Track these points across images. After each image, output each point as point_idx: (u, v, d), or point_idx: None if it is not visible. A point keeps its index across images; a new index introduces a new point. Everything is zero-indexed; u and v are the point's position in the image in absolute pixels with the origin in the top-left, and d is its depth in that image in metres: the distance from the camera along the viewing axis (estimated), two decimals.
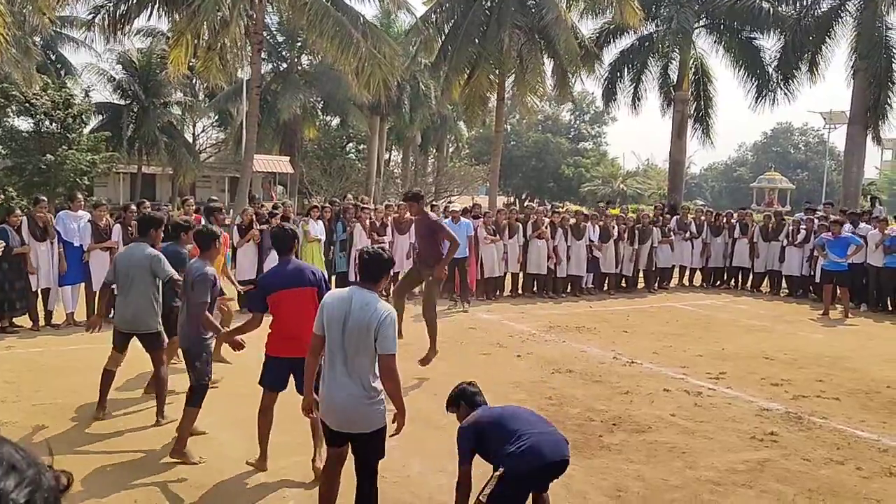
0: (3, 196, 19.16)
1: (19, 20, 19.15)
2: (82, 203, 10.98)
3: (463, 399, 4.58)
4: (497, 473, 4.03)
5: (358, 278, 4.27)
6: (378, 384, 4.03)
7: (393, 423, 4.12)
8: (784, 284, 15.74)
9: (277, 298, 5.05)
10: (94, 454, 5.60)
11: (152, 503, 4.80)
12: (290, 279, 5.09)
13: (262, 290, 5.21)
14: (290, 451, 5.64)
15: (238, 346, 5.40)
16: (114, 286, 6.40)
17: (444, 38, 21.90)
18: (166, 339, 6.43)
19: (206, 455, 5.61)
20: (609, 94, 25.51)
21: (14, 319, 9.98)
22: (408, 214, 13.97)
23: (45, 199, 11.11)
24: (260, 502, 4.87)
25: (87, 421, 6.31)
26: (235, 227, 11.76)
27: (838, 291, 13.26)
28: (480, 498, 4.04)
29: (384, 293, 5.31)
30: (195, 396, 5.55)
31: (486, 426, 4.24)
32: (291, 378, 5.19)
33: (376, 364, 4.01)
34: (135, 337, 6.33)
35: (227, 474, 5.28)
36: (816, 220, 14.86)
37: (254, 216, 12.04)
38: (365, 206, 14.04)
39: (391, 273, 6.10)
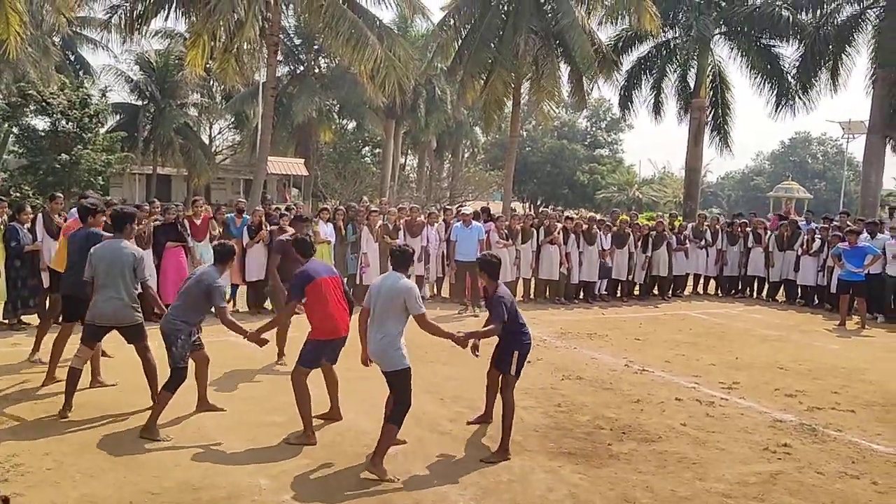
0: (18, 194, 19.30)
1: (37, 20, 19.35)
2: None
3: (484, 267, 6.01)
4: (515, 354, 5.89)
5: (391, 267, 5.69)
6: (398, 338, 5.34)
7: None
8: (799, 294, 15.53)
9: (322, 284, 5.93)
10: (96, 450, 5.56)
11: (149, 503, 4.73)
12: (327, 270, 6.24)
13: (303, 279, 5.95)
14: (292, 453, 5.69)
15: (263, 343, 6.17)
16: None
17: (460, 42, 21.83)
18: (146, 331, 6.49)
19: (207, 458, 5.55)
20: (625, 101, 25.35)
21: (22, 317, 9.99)
22: (420, 218, 13.93)
23: (62, 195, 11.08)
24: None
25: (83, 414, 6.28)
26: (245, 228, 11.74)
27: (855, 302, 13.06)
28: (511, 372, 5.92)
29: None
30: (171, 381, 6.00)
31: (512, 305, 5.86)
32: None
33: (400, 323, 5.38)
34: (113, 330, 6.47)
35: (230, 477, 5.21)
36: (824, 230, 14.66)
37: (263, 217, 12.01)
38: (373, 209, 13.97)
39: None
